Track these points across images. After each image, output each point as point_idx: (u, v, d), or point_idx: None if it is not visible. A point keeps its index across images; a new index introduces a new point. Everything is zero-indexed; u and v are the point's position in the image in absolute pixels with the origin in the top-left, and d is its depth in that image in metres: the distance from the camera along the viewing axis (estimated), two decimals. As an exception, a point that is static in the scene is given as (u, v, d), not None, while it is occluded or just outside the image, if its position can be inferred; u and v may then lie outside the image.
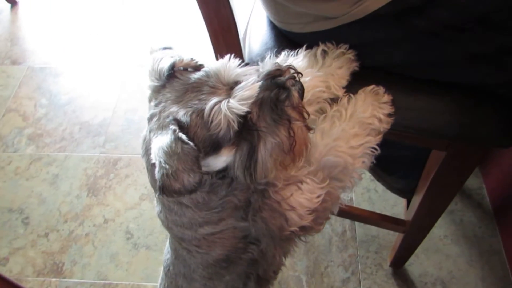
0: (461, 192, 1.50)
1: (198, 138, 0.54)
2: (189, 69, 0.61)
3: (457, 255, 1.39)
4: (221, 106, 0.53)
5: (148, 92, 0.62)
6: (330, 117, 0.71)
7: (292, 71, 0.58)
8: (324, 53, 0.73)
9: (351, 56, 0.74)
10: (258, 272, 0.80)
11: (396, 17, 0.68)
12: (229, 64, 0.57)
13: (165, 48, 0.64)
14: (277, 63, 0.59)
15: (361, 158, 0.70)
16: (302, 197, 0.67)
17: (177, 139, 0.52)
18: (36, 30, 2.31)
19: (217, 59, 0.81)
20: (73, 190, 1.66)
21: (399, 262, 1.36)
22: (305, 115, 0.59)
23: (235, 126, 0.53)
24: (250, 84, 0.54)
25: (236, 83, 0.56)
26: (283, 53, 0.73)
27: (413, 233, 1.17)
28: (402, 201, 1.42)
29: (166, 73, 0.59)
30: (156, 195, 0.71)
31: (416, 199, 1.04)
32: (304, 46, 0.74)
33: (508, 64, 0.69)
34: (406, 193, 1.28)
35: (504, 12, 0.66)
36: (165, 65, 0.60)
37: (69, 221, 1.58)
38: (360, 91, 0.72)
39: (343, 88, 0.74)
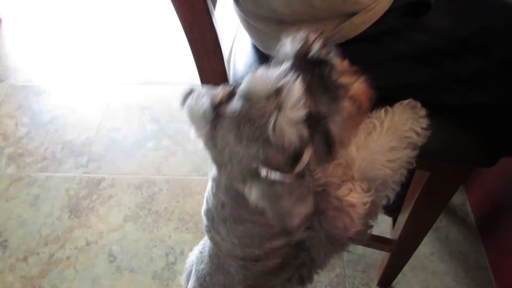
0: (445, 209, 1.51)
1: (281, 164, 0.52)
2: (225, 101, 0.57)
3: (444, 272, 1.39)
4: (281, 125, 0.49)
5: (201, 144, 0.58)
6: (364, 130, 0.69)
7: (316, 38, 0.53)
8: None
9: None
10: (303, 273, 0.79)
11: (377, 41, 0.69)
12: (259, 76, 0.52)
13: (190, 92, 0.61)
14: (296, 38, 0.54)
15: (399, 170, 0.69)
16: (357, 196, 0.65)
17: (271, 183, 0.50)
18: (19, 48, 2.29)
19: (201, 80, 0.81)
20: (54, 211, 1.62)
21: (386, 281, 1.35)
22: (355, 72, 0.55)
23: (304, 132, 0.50)
24: (291, 83, 0.49)
25: (278, 89, 0.51)
26: None
27: (399, 252, 1.17)
28: (388, 219, 1.42)
29: (211, 115, 0.55)
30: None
31: (402, 218, 1.05)
32: None
33: (487, 86, 0.70)
34: (392, 212, 1.28)
35: (483, 36, 0.67)
36: (205, 107, 0.55)
37: (50, 244, 1.54)
38: (397, 105, 0.71)
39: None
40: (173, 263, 1.46)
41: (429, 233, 1.21)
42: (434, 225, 1.45)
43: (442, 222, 1.49)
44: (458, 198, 1.54)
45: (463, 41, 0.68)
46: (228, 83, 0.81)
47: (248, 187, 0.53)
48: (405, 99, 0.73)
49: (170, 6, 0.68)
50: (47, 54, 2.25)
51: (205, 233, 0.78)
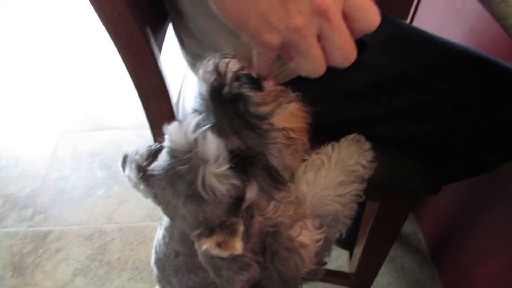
0: (398, 238, 1.55)
1: (224, 215, 0.51)
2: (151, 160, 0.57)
3: (402, 302, 1.40)
4: (209, 181, 0.48)
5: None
6: (312, 166, 0.70)
7: (226, 69, 0.50)
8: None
9: None
10: None
11: (320, 79, 0.72)
12: (175, 129, 0.50)
13: (125, 159, 0.60)
14: (208, 71, 0.50)
15: (349, 204, 0.70)
16: (308, 235, 0.65)
17: (211, 258, 0.50)
18: (-45, 100, 2.19)
19: (150, 124, 0.81)
20: (-5, 271, 1.51)
21: (348, 315, 1.35)
22: (275, 93, 0.51)
23: (236, 180, 0.49)
24: (204, 136, 0.47)
25: (195, 143, 0.49)
26: None
27: (358, 285, 1.17)
28: (345, 253, 1.43)
29: (137, 178, 0.55)
30: None
31: (357, 250, 1.06)
32: None
33: (425, 118, 0.74)
34: (347, 245, 1.30)
35: (416, 72, 0.72)
36: (132, 171, 0.56)
37: (-9, 307, 1.42)
38: (343, 139, 0.73)
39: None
40: (128, 317, 1.39)
41: (386, 263, 1.23)
42: (390, 255, 1.48)
43: (397, 251, 1.52)
44: (410, 227, 1.58)
45: (399, 77, 0.73)
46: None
47: (196, 244, 0.53)
48: (350, 133, 0.76)
49: (115, 51, 0.68)
50: (-12, 105, 2.16)
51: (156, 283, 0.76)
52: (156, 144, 0.59)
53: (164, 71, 0.73)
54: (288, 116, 0.51)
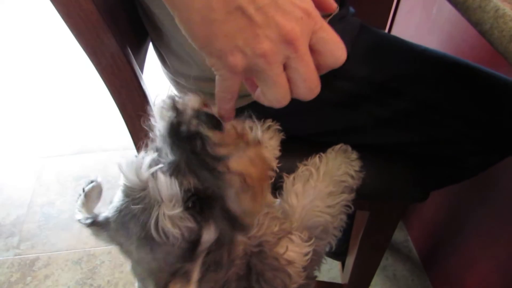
0: (389, 247, 1.55)
1: (180, 258, 0.49)
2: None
3: (396, 311, 1.40)
4: (162, 224, 0.45)
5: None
6: (301, 177, 0.70)
7: (185, 106, 0.48)
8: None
9: (277, 126, 0.76)
10: None
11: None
12: (129, 167, 0.48)
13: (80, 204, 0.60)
14: (167, 107, 0.49)
15: (339, 215, 0.70)
16: (296, 250, 0.63)
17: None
18: None
19: (134, 144, 0.80)
20: (-18, 302, 1.47)
21: (343, 327, 1.34)
22: (236, 135, 0.49)
23: (191, 223, 0.47)
24: (156, 176, 0.46)
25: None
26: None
27: (352, 296, 1.17)
28: (338, 264, 1.43)
29: (90, 227, 0.54)
30: None
31: (350, 260, 1.06)
32: None
33: (410, 125, 0.75)
34: (339, 256, 1.29)
35: (397, 80, 0.73)
36: (85, 222, 0.55)
37: None
38: (330, 150, 0.73)
39: (276, 158, 0.75)
40: None
41: (378, 272, 1.23)
42: (382, 264, 1.48)
43: (388, 259, 1.52)
44: (400, 235, 1.58)
45: (380, 86, 0.74)
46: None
47: None
48: (337, 143, 0.77)
49: (96, 73, 0.68)
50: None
51: None
52: (89, 183, 0.58)
53: (147, 90, 0.73)
54: (245, 161, 0.48)
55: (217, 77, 0.45)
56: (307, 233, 0.67)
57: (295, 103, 0.74)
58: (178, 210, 0.45)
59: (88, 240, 1.63)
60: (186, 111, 0.47)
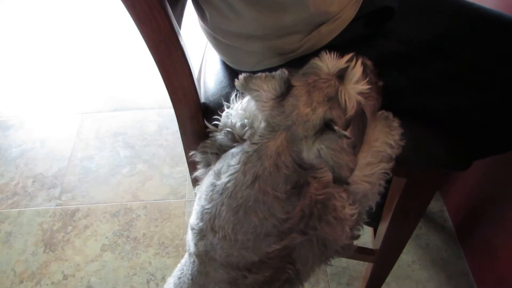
0: (424, 216, 1.52)
1: (341, 124, 0.58)
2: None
3: (426, 280, 1.39)
4: (348, 92, 0.58)
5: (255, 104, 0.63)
6: None
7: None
8: None
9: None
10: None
11: (345, 49, 0.70)
12: (328, 57, 0.60)
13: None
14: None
15: (377, 182, 0.71)
16: (350, 208, 0.68)
17: (342, 136, 0.54)
18: (-17, 83, 2.23)
19: (172, 101, 0.80)
20: (28, 247, 1.56)
21: (371, 292, 1.34)
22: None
23: (362, 101, 0.59)
24: (354, 65, 0.58)
25: (340, 71, 0.59)
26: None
27: (382, 262, 1.16)
28: (369, 230, 1.42)
29: (284, 86, 0.60)
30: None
31: (382, 227, 1.05)
32: None
33: (456, 89, 0.72)
34: (372, 222, 1.28)
35: (448, 40, 0.69)
36: (280, 82, 0.60)
37: (25, 281, 1.47)
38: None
39: None
40: (155, 292, 1.42)
41: (410, 241, 1.21)
42: (415, 233, 1.46)
43: (422, 229, 1.50)
44: (436, 205, 1.55)
45: (428, 46, 0.70)
46: (199, 101, 0.80)
47: (309, 143, 0.57)
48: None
49: (135, 28, 0.68)
50: (11, 88, 2.20)
51: (188, 252, 0.76)
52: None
53: (185, 46, 0.72)
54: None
55: None
56: (351, 197, 0.68)
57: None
58: (363, 87, 0.58)
59: (125, 195, 1.69)
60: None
